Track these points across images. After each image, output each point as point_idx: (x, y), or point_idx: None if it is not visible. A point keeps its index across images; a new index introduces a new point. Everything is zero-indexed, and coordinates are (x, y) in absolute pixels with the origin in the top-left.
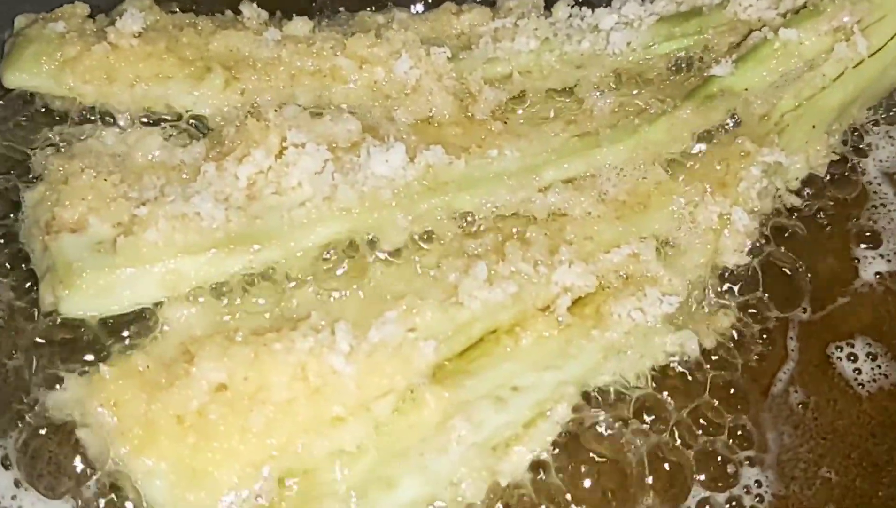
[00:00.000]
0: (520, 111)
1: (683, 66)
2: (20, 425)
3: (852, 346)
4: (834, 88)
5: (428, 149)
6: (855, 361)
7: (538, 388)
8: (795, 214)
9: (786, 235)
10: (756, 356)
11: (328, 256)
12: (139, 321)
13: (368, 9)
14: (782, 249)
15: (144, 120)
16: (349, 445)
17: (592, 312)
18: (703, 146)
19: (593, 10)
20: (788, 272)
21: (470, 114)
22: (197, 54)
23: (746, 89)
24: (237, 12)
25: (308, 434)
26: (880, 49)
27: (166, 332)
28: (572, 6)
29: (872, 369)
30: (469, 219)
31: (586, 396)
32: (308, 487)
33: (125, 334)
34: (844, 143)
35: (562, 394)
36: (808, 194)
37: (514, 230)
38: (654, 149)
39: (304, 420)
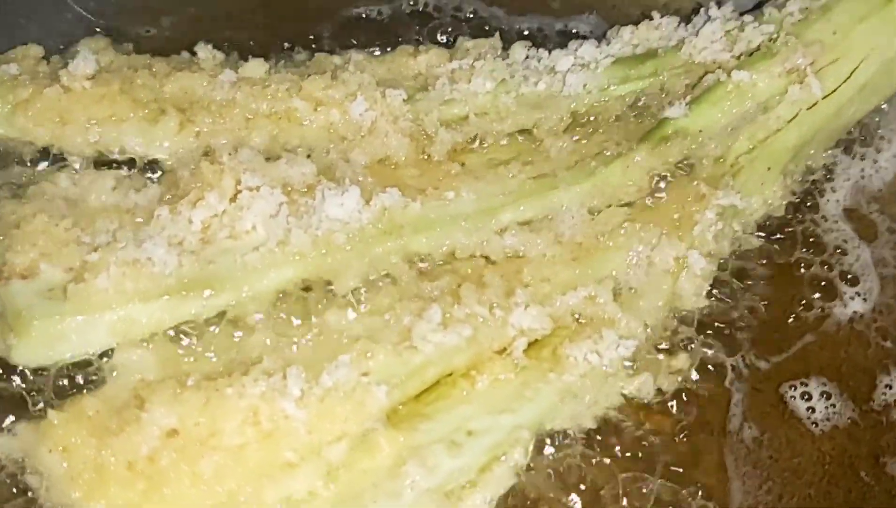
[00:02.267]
0: (477, 153)
1: (640, 108)
2: None
3: (806, 385)
4: (788, 129)
5: (384, 191)
6: (809, 400)
7: (493, 432)
8: (754, 256)
9: (745, 277)
10: (712, 397)
11: (281, 300)
12: (89, 366)
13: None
14: (741, 290)
15: (99, 163)
16: (300, 490)
17: (549, 354)
18: (659, 188)
19: (550, 52)
20: (747, 313)
21: (426, 155)
22: (151, 96)
23: (701, 131)
24: (193, 53)
25: (259, 480)
26: (834, 91)
27: (117, 376)
28: (529, 48)
29: (826, 408)
30: (425, 261)
31: (540, 442)
32: None
33: (75, 379)
34: (803, 183)
35: (517, 438)
36: (766, 236)
37: (470, 272)
38: (611, 191)
39: (255, 466)
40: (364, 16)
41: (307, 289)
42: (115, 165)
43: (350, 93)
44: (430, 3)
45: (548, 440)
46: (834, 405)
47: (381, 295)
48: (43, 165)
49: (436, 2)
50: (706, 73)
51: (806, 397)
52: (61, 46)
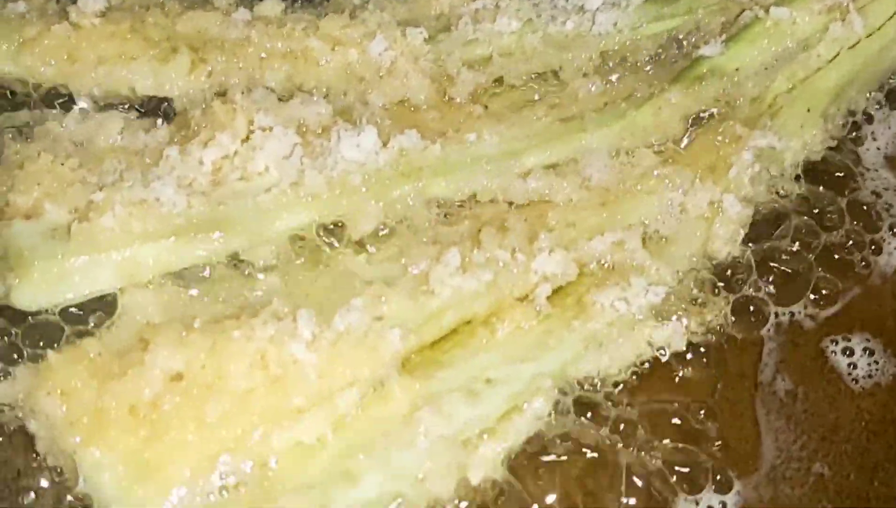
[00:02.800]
0: (500, 95)
1: (672, 47)
2: None
3: (848, 341)
4: (829, 69)
5: (402, 133)
6: (851, 356)
7: (513, 380)
8: (791, 201)
9: (781, 224)
10: (747, 350)
11: (294, 243)
12: (98, 308)
13: None
14: (778, 238)
15: (107, 103)
16: (309, 437)
17: (574, 302)
18: (692, 131)
19: None
20: (784, 264)
21: (448, 97)
22: (163, 35)
23: (737, 70)
24: None
25: (266, 426)
26: (878, 29)
27: (122, 319)
28: None
29: (869, 364)
30: (444, 206)
31: (563, 390)
32: (264, 481)
33: (84, 321)
34: (843, 127)
35: (538, 387)
36: (805, 180)
37: (492, 217)
38: (642, 134)
39: (262, 411)
40: None
41: (321, 232)
42: (124, 105)
43: (369, 32)
44: None
45: (571, 390)
46: (877, 363)
47: (398, 239)
48: (51, 108)
49: None
50: (743, 10)
51: (847, 352)
52: None
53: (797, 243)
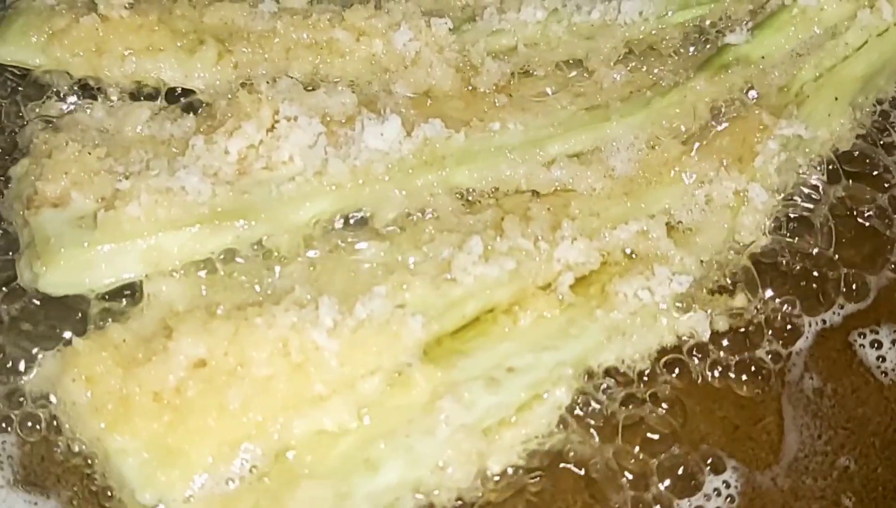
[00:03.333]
0: (525, 84)
1: (698, 36)
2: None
3: (877, 333)
4: (857, 57)
5: (426, 122)
6: (879, 348)
7: (535, 369)
8: (819, 192)
9: (808, 214)
10: (771, 342)
11: (317, 231)
12: (123, 296)
13: None
14: (804, 229)
15: (135, 93)
16: (331, 425)
17: (597, 291)
18: (718, 119)
19: None
20: (811, 254)
21: (472, 87)
22: (190, 27)
23: (763, 58)
24: None
25: (287, 413)
26: None
27: (147, 306)
28: None
29: None
30: (468, 194)
31: (584, 381)
32: (286, 468)
33: (109, 308)
34: (872, 116)
35: (560, 376)
36: (833, 169)
37: (515, 205)
38: (667, 122)
39: (283, 398)
40: None
41: (344, 221)
42: (152, 96)
43: (394, 23)
44: None
45: (593, 379)
46: None
47: (421, 227)
48: (79, 98)
49: None
50: None
51: (876, 345)
52: None
53: (823, 235)
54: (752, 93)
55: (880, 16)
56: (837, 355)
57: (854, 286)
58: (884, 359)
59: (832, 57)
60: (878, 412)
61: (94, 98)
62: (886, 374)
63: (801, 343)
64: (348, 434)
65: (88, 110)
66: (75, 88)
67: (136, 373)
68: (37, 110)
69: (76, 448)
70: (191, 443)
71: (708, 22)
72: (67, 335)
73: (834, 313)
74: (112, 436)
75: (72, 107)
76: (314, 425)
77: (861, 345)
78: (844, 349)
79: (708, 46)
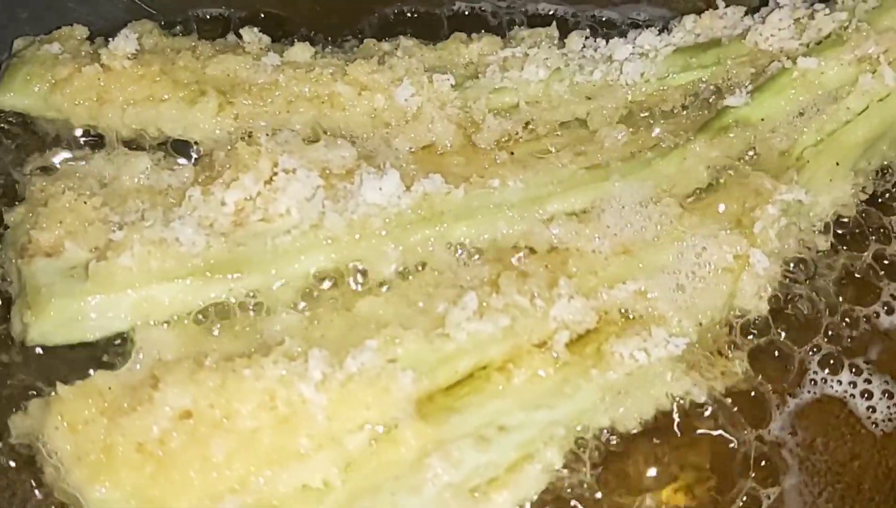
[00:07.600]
0: (526, 142)
1: (699, 98)
2: None
3: (869, 383)
4: (858, 122)
5: (426, 177)
6: (870, 399)
7: (526, 428)
8: (822, 257)
9: (811, 279)
10: (766, 402)
11: (311, 285)
12: (113, 342)
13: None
14: (805, 292)
15: (134, 142)
16: (315, 480)
17: (592, 351)
18: (717, 182)
19: (607, 42)
20: (803, 313)
21: (473, 143)
22: (192, 78)
23: (763, 120)
24: (239, 36)
25: (272, 467)
26: None
27: (136, 354)
28: (587, 37)
29: (889, 407)
30: (465, 250)
31: (577, 443)
32: None
33: (98, 355)
34: (875, 182)
35: (551, 436)
36: (835, 236)
37: (513, 261)
38: (667, 183)
39: (268, 452)
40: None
41: (339, 274)
42: (151, 147)
43: (396, 78)
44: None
45: (585, 441)
46: None
47: (416, 281)
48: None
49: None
50: (772, 61)
51: (866, 395)
52: (107, 29)
53: (816, 291)
54: (753, 156)
55: (882, 81)
56: (829, 406)
57: (845, 342)
58: (874, 410)
59: (833, 122)
60: (873, 466)
61: (94, 147)
62: (877, 425)
63: (795, 401)
64: (333, 491)
65: (87, 159)
66: (76, 136)
67: (120, 423)
68: (36, 158)
69: (57, 497)
70: (173, 496)
71: (710, 84)
72: (54, 382)
73: (824, 365)
74: (94, 487)
75: (71, 155)
76: (299, 480)
77: (851, 395)
78: (835, 400)
79: (709, 109)
